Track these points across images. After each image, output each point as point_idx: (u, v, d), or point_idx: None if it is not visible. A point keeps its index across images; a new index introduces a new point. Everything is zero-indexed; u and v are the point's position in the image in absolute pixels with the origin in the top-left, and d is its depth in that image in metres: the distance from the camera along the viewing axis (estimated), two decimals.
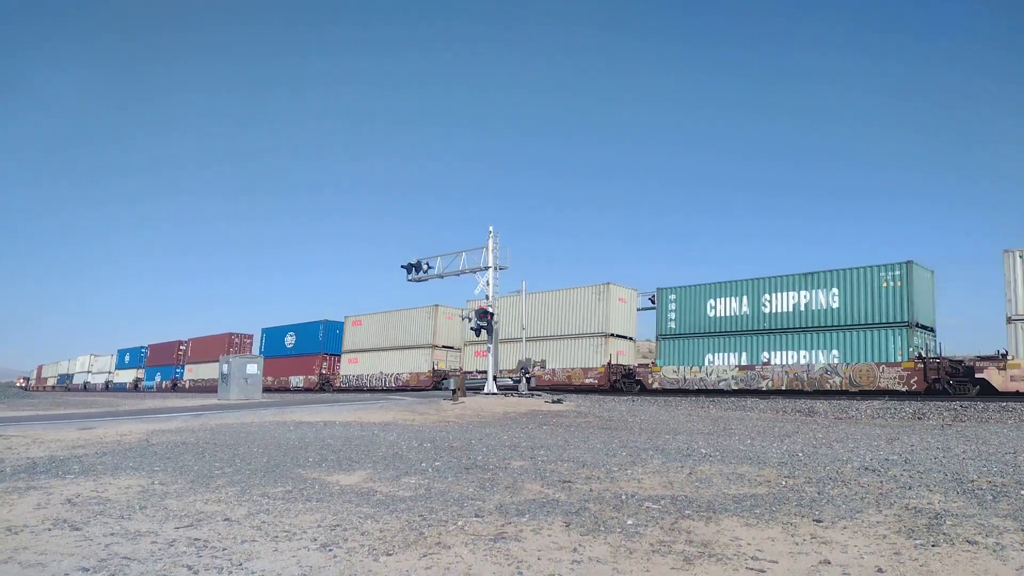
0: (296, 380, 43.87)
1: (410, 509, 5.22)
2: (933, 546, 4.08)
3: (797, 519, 4.83)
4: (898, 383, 21.13)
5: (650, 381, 27.19)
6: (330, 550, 4.09)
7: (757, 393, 23.72)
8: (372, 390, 38.28)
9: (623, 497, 5.65)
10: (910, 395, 20.62)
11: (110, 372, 72.57)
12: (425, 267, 28.38)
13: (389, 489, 6.12)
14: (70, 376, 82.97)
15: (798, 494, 5.77)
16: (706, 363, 25.97)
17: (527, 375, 28.74)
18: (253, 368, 29.10)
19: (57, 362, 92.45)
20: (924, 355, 21.14)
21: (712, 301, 26.24)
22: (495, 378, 26.10)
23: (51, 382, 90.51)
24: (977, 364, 20.16)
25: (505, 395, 24.67)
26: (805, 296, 23.76)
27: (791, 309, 23.96)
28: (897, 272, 21.76)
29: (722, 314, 25.91)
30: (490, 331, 25.56)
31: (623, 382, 28.49)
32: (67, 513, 5.14)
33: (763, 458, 8.21)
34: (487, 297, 26.04)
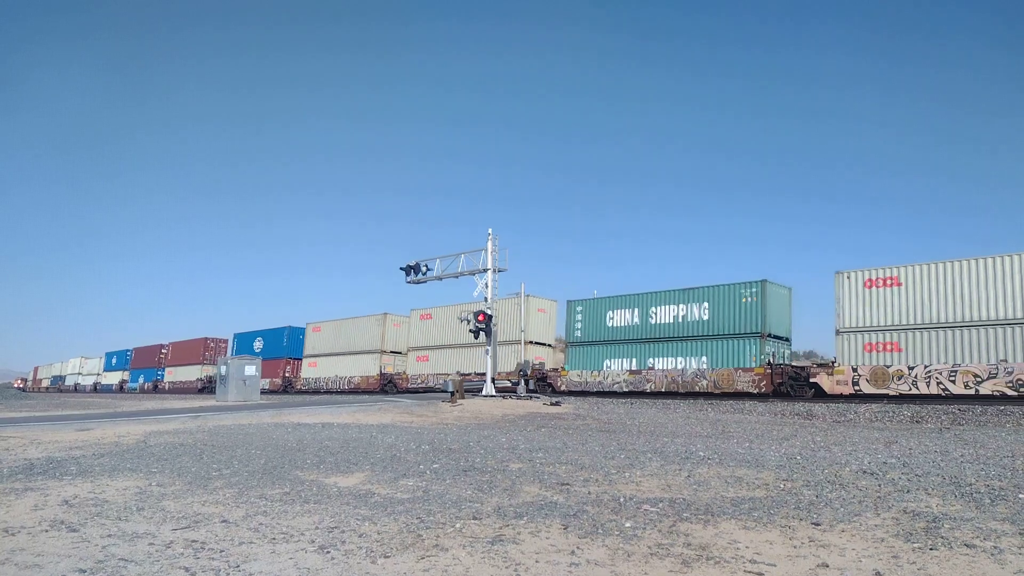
0: (263, 382, 46.15)
1: (408, 511, 5.21)
2: (931, 549, 4.08)
3: (795, 522, 4.83)
4: (751, 386, 24.22)
5: (559, 384, 30.46)
6: (328, 552, 4.09)
7: (643, 394, 27.03)
8: (328, 392, 40.84)
9: (621, 500, 5.65)
10: (760, 396, 23.60)
11: (98, 374, 74.49)
12: (424, 269, 28.41)
13: (387, 491, 6.11)
14: (62, 378, 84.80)
15: (796, 497, 5.77)
16: (604, 367, 29.10)
17: (525, 378, 28.76)
18: (251, 370, 29.08)
19: (51, 364, 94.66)
20: (771, 362, 24.18)
21: (611, 313, 29.28)
22: (493, 380, 26.09)
23: (45, 383, 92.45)
24: (812, 370, 23.40)
25: (503, 397, 24.68)
26: (683, 309, 27.35)
27: (671, 321, 27.33)
28: (754, 289, 24.93)
29: (618, 324, 29.08)
30: (488, 333, 25.56)
31: (538, 384, 31.36)
32: (64, 514, 5.13)
33: (761, 461, 8.21)
34: (486, 299, 26.05)
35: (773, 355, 24.38)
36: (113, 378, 69.95)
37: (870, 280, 22.00)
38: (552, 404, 22.79)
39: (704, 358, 25.93)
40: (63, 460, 8.14)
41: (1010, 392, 19.00)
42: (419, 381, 36.68)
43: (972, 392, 19.67)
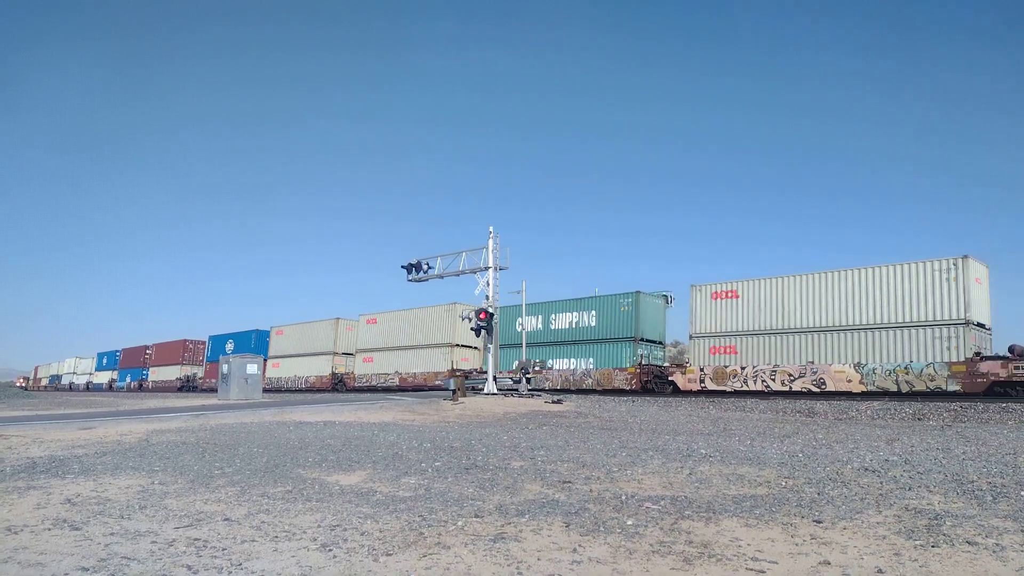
0: None
1: (410, 509, 5.22)
2: (933, 547, 4.08)
3: (797, 520, 4.83)
4: (625, 383, 28.44)
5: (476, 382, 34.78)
6: (330, 550, 4.09)
7: (543, 390, 30.40)
8: (288, 390, 44.64)
9: (623, 497, 5.65)
10: (632, 392, 27.61)
11: (90, 374, 78.35)
12: (425, 267, 28.39)
13: (389, 489, 6.12)
14: (59, 377, 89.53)
15: (798, 495, 5.77)
16: (514, 366, 32.08)
17: (527, 376, 28.80)
18: (253, 368, 29.08)
19: (49, 363, 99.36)
20: (642, 363, 28.15)
21: (520, 319, 32.23)
22: (495, 378, 26.10)
23: (44, 382, 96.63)
24: (669, 370, 27.36)
25: (505, 395, 24.69)
26: (576, 317, 31.37)
27: (568, 327, 31.56)
28: (629, 299, 29.24)
29: (528, 329, 32.53)
30: (490, 332, 25.57)
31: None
32: (67, 513, 5.14)
33: (763, 459, 8.21)
34: (487, 298, 26.05)
35: (642, 357, 28.34)
36: (103, 377, 73.73)
37: (716, 293, 26.04)
38: (554, 402, 22.80)
39: (591, 359, 30.15)
40: (65, 459, 8.16)
41: (814, 389, 22.88)
42: (364, 380, 40.23)
43: (787, 389, 23.65)
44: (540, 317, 32.66)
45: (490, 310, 25.36)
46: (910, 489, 6.00)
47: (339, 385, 41.41)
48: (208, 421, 14.00)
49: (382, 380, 39.36)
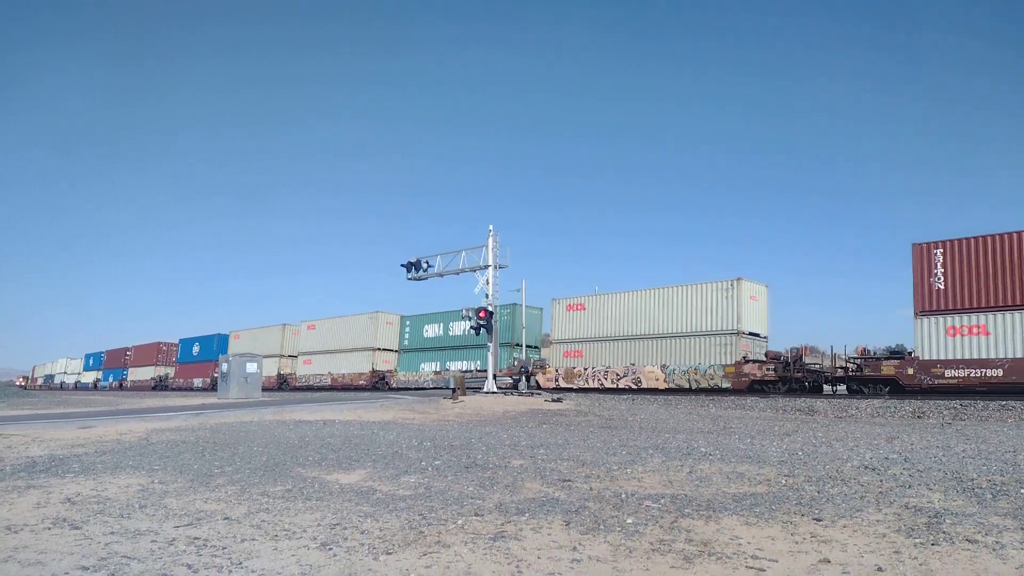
0: (198, 381, 55.16)
1: (410, 508, 5.22)
2: (933, 545, 4.08)
3: (797, 518, 4.83)
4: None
5: (392, 382, 39.05)
6: (330, 549, 4.09)
7: (443, 389, 33.08)
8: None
9: (623, 496, 5.65)
10: (507, 389, 30.24)
11: (79, 374, 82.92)
12: (425, 266, 28.42)
13: (389, 488, 6.12)
14: (52, 376, 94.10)
15: (798, 493, 5.77)
16: (420, 369, 38.25)
17: (526, 374, 28.82)
18: (253, 367, 29.07)
19: (45, 363, 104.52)
20: (515, 363, 32.58)
21: (426, 326, 38.19)
22: (495, 377, 26.10)
23: (40, 381, 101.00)
24: (532, 369, 31.39)
25: (505, 394, 24.69)
26: (467, 325, 34.05)
27: (461, 333, 35.08)
28: (509, 311, 33.86)
29: (430, 336, 38.21)
30: (490, 330, 25.57)
31: (381, 383, 39.75)
32: (67, 512, 5.13)
33: (763, 457, 8.22)
34: (487, 296, 26.04)
35: (516, 360, 32.92)
36: (90, 377, 78.06)
37: (570, 305, 31.05)
38: (554, 400, 22.81)
39: (479, 361, 34.42)
40: (65, 458, 8.15)
41: (633, 386, 27.78)
42: (304, 381, 45.25)
43: (614, 386, 28.32)
44: (440, 325, 37.58)
45: (490, 309, 25.37)
46: (910, 487, 6.00)
47: (283, 384, 46.33)
48: (208, 420, 14.00)
49: (318, 380, 43.77)
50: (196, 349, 56.25)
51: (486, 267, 26.32)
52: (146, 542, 4.27)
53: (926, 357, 20.42)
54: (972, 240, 20.28)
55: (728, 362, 25.26)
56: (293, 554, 3.99)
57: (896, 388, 21.19)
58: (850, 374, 22.60)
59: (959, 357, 19.89)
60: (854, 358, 22.66)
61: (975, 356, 19.64)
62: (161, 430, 11.70)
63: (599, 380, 28.82)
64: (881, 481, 6.33)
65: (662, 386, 26.76)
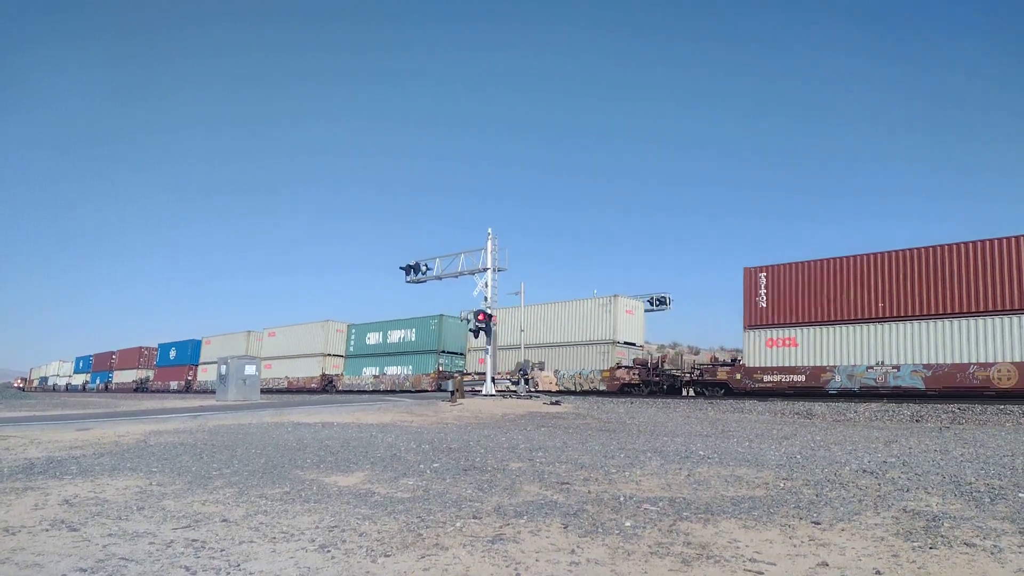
0: (174, 383, 59.03)
1: (408, 510, 5.21)
2: (931, 548, 4.09)
3: (795, 521, 4.83)
4: (428, 385, 36.81)
5: (339, 385, 42.64)
6: (328, 551, 4.09)
7: (380, 392, 38.46)
8: (211, 391, 53.00)
9: (621, 499, 5.65)
10: (427, 392, 35.46)
11: (70, 376, 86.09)
12: (424, 268, 28.42)
13: (387, 490, 6.11)
14: (47, 378, 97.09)
15: (796, 496, 5.77)
16: (362, 373, 41.85)
17: (525, 377, 28.82)
18: (251, 369, 29.02)
19: (40, 365, 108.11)
20: (439, 369, 36.64)
21: (368, 334, 42.29)
22: (493, 380, 26.08)
23: (35, 383, 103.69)
24: (454, 375, 33.82)
25: (503, 397, 24.68)
26: (403, 333, 39.80)
27: (398, 341, 40.08)
28: (435, 321, 37.89)
29: (371, 343, 41.99)
30: (488, 333, 25.57)
31: (329, 386, 43.29)
32: (65, 514, 5.13)
33: (761, 460, 8.22)
34: (486, 299, 26.05)
35: (440, 365, 36.96)
36: (79, 379, 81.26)
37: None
38: (552, 403, 22.80)
39: (410, 367, 38.53)
40: (63, 459, 8.14)
41: (532, 389, 30.43)
42: (264, 384, 47.94)
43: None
44: (380, 333, 41.47)
45: (488, 311, 25.37)
46: (908, 491, 6.01)
47: None
48: (206, 422, 13.98)
49: (277, 384, 47.31)
50: (173, 353, 59.85)
51: (485, 270, 26.34)
52: (144, 544, 4.27)
53: (751, 364, 23.94)
54: (788, 266, 23.83)
55: (605, 367, 29.37)
56: (291, 556, 3.99)
57: (728, 391, 24.63)
58: (695, 378, 26.34)
59: (775, 365, 23.54)
60: (702, 364, 27.11)
61: (786, 364, 23.37)
62: (159, 432, 11.68)
63: (510, 383, 33.20)
64: (879, 485, 6.33)
65: (554, 388, 30.81)
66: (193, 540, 4.35)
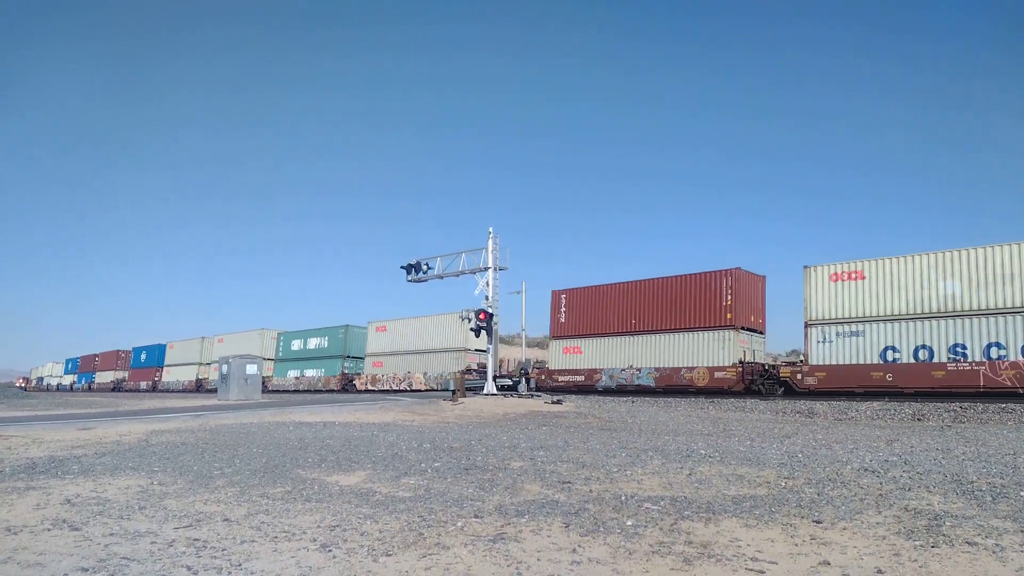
0: (144, 383, 64.55)
1: (409, 510, 5.22)
2: (932, 547, 4.08)
3: (797, 520, 4.83)
4: (335, 385, 43.06)
5: (269, 386, 45.79)
6: (329, 550, 4.09)
7: (301, 391, 44.33)
8: (171, 391, 58.04)
9: (623, 498, 5.65)
10: (336, 390, 42.03)
11: (60, 376, 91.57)
12: (425, 268, 28.40)
13: (388, 490, 6.12)
14: (43, 379, 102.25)
15: (797, 495, 5.77)
16: (287, 375, 47.24)
17: (526, 376, 28.84)
18: (253, 369, 29.04)
19: (38, 366, 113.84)
20: (343, 372, 42.98)
21: (293, 341, 47.85)
22: (495, 378, 26.08)
23: (34, 383, 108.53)
24: (356, 375, 42.09)
25: (504, 396, 24.69)
26: (318, 340, 45.75)
27: (315, 347, 45.72)
28: (343, 331, 44.05)
29: (295, 348, 47.66)
30: (490, 332, 25.58)
31: (262, 385, 47.42)
32: (66, 513, 5.14)
33: (762, 459, 8.21)
34: (487, 298, 26.04)
35: (344, 369, 42.84)
36: (68, 380, 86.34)
37: (378, 327, 41.11)
38: (553, 402, 22.80)
39: (323, 370, 44.28)
40: (65, 459, 8.15)
41: (407, 387, 37.19)
42: (212, 384, 52.23)
43: (398, 388, 37.80)
44: (302, 340, 46.95)
45: (489, 311, 25.37)
46: (910, 490, 6.00)
47: (200, 387, 55.28)
48: (207, 422, 14.00)
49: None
50: (144, 356, 65.70)
51: (486, 269, 26.33)
52: (145, 543, 4.27)
53: (552, 367, 30.05)
54: (582, 289, 29.64)
55: (457, 370, 34.98)
56: (293, 555, 3.99)
57: (539, 387, 29.70)
58: (517, 378, 30.84)
59: (567, 368, 29.47)
60: (538, 365, 32.41)
61: (573, 367, 29.24)
62: (161, 431, 11.70)
63: (390, 384, 39.26)
64: (881, 483, 6.33)
65: (423, 388, 36.55)
66: (195, 539, 4.35)
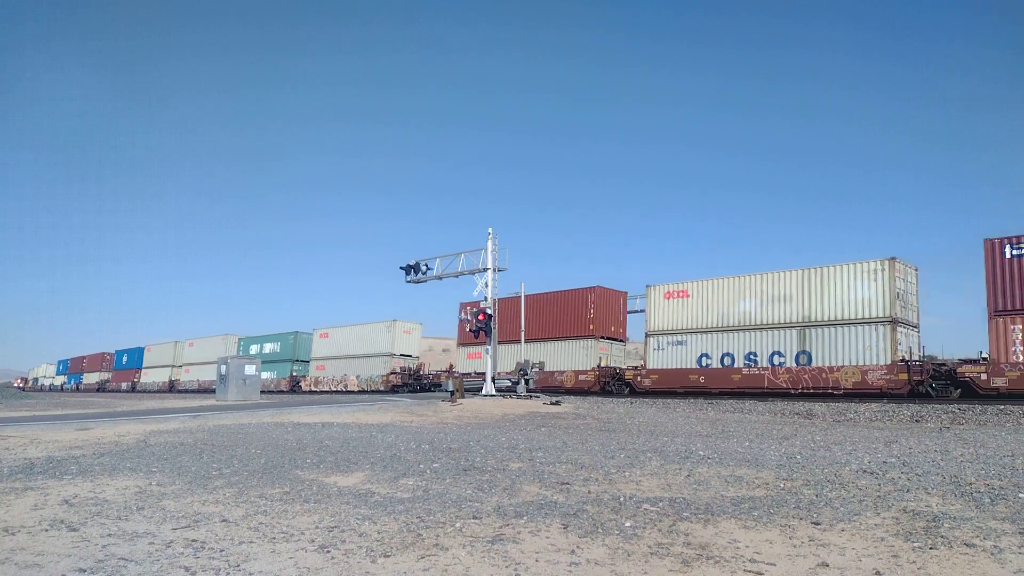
0: (124, 384, 68.27)
1: (408, 511, 5.21)
2: (931, 548, 4.09)
3: (795, 521, 4.83)
4: (285, 387, 48.28)
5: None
6: (328, 551, 4.09)
7: (265, 393, 43.66)
8: (148, 391, 61.88)
9: (621, 499, 5.65)
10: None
11: (52, 377, 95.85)
12: (424, 268, 28.40)
13: (387, 491, 6.11)
14: (38, 379, 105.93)
15: (796, 496, 5.77)
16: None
17: (526, 377, 28.84)
18: (251, 369, 29.01)
19: (34, 367, 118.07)
20: (292, 373, 49.30)
21: (252, 345, 52.12)
22: (493, 380, 26.07)
23: (31, 384, 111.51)
24: (302, 377, 48.20)
25: (503, 397, 24.68)
26: (273, 345, 51.10)
27: (268, 351, 50.76)
28: (292, 337, 50.22)
29: (253, 352, 49.99)
30: (488, 332, 25.58)
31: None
32: (64, 514, 5.13)
33: (761, 460, 8.22)
34: (486, 298, 26.05)
35: (293, 371, 48.17)
36: (59, 380, 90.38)
37: (322, 334, 46.38)
38: (552, 403, 22.80)
39: (275, 372, 48.96)
40: (63, 459, 8.14)
41: (342, 389, 43.17)
42: (181, 386, 58.72)
43: (335, 389, 43.34)
44: (259, 344, 51.69)
45: (488, 311, 25.37)
46: (908, 491, 6.00)
47: (172, 388, 59.24)
48: (206, 422, 13.98)
49: (190, 385, 56.75)
50: (125, 359, 69.22)
51: (485, 269, 26.33)
52: (144, 544, 4.27)
53: (459, 370, 34.21)
54: (508, 299, 30.97)
55: (384, 373, 40.32)
56: (291, 556, 3.99)
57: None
58: (438, 380, 35.15)
59: (471, 371, 33.26)
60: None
61: (479, 370, 31.54)
62: (159, 432, 11.68)
63: (329, 385, 44.22)
64: (879, 485, 6.33)
65: (356, 388, 41.64)
66: (193, 540, 4.35)
